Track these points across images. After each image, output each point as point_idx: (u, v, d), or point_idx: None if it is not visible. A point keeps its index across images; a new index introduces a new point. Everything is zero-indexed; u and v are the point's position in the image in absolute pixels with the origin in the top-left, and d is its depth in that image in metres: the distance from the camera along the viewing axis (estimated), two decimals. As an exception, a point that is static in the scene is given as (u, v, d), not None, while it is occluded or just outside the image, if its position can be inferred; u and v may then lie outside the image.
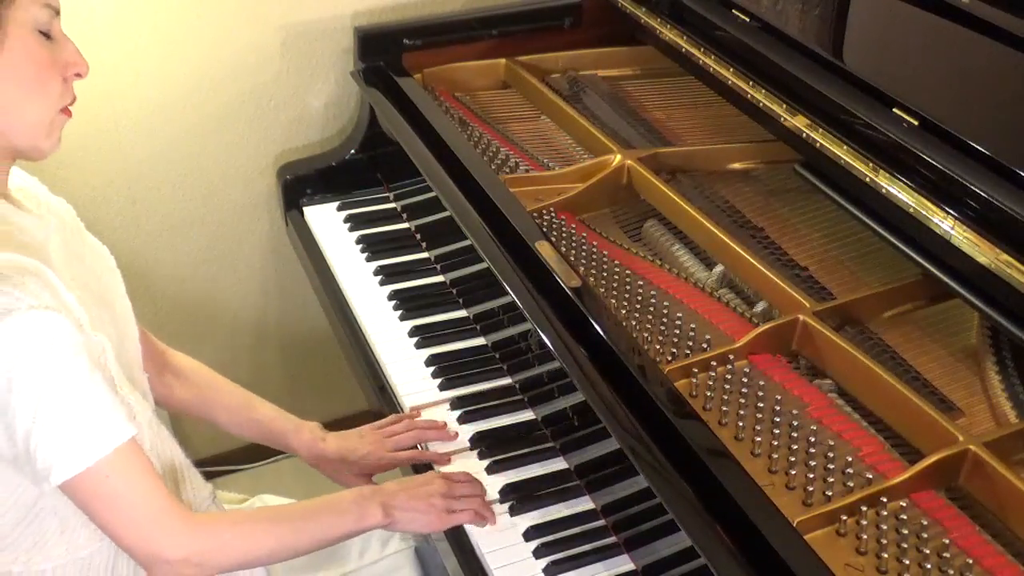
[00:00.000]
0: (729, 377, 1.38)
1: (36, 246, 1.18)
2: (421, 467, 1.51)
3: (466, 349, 1.69)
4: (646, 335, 1.46)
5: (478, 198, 1.64)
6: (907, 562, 1.16)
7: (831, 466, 1.26)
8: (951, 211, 1.32)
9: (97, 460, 1.13)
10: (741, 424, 1.31)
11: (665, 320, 1.48)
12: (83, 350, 1.13)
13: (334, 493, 1.36)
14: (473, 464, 1.48)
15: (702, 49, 1.78)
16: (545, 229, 1.61)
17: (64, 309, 1.12)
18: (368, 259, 1.89)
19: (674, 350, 1.43)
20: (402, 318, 1.76)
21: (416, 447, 1.53)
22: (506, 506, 1.41)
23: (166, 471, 1.34)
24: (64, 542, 1.24)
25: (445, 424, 1.53)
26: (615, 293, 1.55)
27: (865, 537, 1.18)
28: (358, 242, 1.93)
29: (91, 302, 1.22)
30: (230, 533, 1.25)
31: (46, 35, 1.16)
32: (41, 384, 1.09)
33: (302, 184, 2.08)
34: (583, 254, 1.62)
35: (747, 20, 1.74)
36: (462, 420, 1.55)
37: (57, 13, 1.18)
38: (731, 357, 1.39)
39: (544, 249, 1.50)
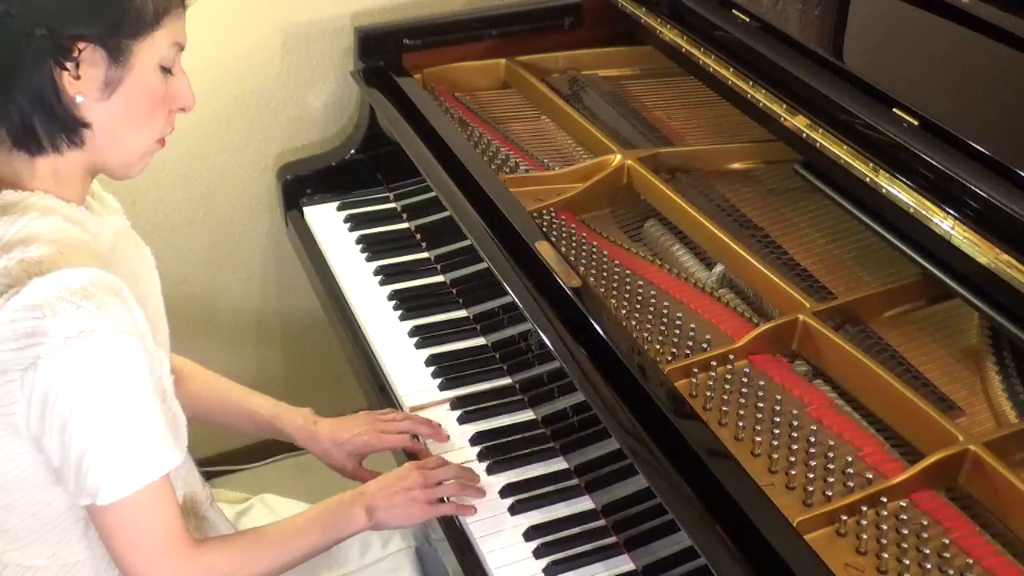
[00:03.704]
0: (729, 377, 1.38)
1: (106, 253, 1.20)
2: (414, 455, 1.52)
3: (466, 349, 1.69)
4: (646, 335, 1.46)
5: (478, 198, 1.64)
6: (907, 562, 1.16)
7: (831, 466, 1.25)
8: (951, 211, 1.32)
9: (144, 485, 1.15)
10: (741, 424, 1.31)
11: (665, 320, 1.48)
12: (148, 374, 1.14)
13: (319, 503, 1.38)
14: (473, 464, 1.48)
15: (702, 49, 1.78)
16: (545, 229, 1.61)
17: (138, 333, 1.13)
18: (368, 259, 1.89)
19: (674, 350, 1.43)
20: (402, 318, 1.76)
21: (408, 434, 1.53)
22: (506, 506, 1.41)
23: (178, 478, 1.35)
24: (87, 539, 1.26)
25: (440, 426, 1.53)
26: (615, 293, 1.55)
27: (865, 537, 1.18)
28: (358, 242, 1.93)
29: None
30: (228, 564, 1.26)
31: (166, 70, 1.18)
32: (105, 407, 1.11)
33: (302, 184, 2.08)
34: (583, 254, 1.62)
35: (747, 20, 1.74)
36: (462, 420, 1.55)
37: (182, 49, 1.19)
38: (731, 357, 1.39)
39: (544, 249, 1.50)
